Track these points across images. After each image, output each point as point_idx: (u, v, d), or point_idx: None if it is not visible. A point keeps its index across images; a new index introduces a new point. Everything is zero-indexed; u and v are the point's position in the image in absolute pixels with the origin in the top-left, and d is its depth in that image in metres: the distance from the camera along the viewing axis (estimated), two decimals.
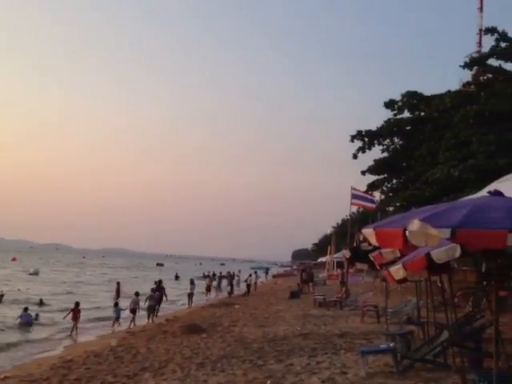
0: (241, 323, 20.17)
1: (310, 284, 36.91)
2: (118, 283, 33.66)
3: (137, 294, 25.52)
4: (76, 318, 22.58)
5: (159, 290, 28.07)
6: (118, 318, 24.04)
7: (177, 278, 64.01)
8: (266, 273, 63.58)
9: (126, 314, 24.57)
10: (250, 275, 44.03)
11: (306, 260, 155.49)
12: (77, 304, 23.14)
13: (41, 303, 31.67)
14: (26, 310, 24.61)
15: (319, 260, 75.65)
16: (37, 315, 25.45)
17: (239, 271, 48.70)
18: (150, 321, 24.78)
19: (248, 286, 40.71)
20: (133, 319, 24.08)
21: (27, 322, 23.78)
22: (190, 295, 33.12)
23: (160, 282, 29.72)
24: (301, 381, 9.69)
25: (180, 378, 10.86)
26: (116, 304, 24.84)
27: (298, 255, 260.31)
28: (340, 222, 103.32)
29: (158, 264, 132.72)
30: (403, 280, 12.33)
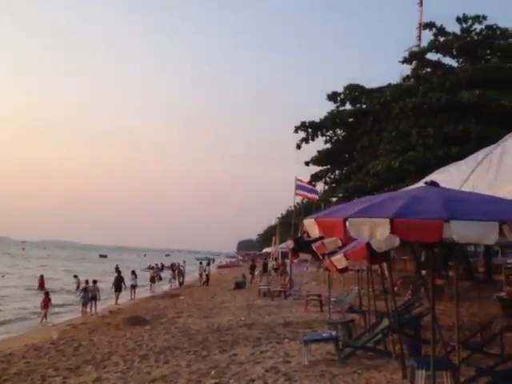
0: (185, 314, 20.12)
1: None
2: (42, 276, 37.98)
3: (94, 281, 27.12)
4: (47, 306, 23.75)
5: (120, 278, 31.15)
6: (85, 304, 25.44)
7: (117, 270, 63.00)
8: (208, 263, 63.60)
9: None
10: (209, 264, 44.43)
11: (250, 251, 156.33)
12: (47, 293, 24.61)
13: None
14: None
15: (264, 250, 76.01)
16: None
17: (184, 262, 48.41)
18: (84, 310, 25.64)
19: (207, 275, 40.62)
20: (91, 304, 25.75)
21: None
22: (133, 287, 32.79)
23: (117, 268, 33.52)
24: (244, 370, 9.75)
25: (123, 370, 10.77)
26: (84, 290, 26.09)
27: (244, 246, 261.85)
28: (285, 212, 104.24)
29: (101, 255, 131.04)
30: (345, 269, 12.60)
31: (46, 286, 36.56)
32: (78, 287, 33.68)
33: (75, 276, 36.97)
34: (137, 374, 10.20)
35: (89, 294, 25.77)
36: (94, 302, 25.83)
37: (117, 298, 30.14)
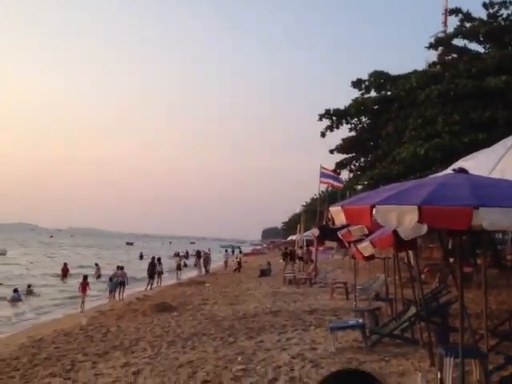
0: (211, 301, 20.27)
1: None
2: (65, 264, 38.41)
3: (122, 268, 27.94)
4: (85, 291, 24.19)
5: (153, 265, 31.94)
6: (111, 291, 26.07)
7: (141, 257, 63.71)
8: (233, 251, 63.98)
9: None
10: (233, 252, 44.59)
11: (275, 238, 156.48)
12: (85, 277, 25.05)
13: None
14: (15, 290, 25.93)
15: (289, 238, 76.01)
16: (29, 291, 27.50)
17: (209, 249, 48.75)
18: (113, 295, 26.39)
19: (239, 262, 40.84)
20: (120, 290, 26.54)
21: (15, 299, 25.18)
22: (159, 274, 33.11)
23: (153, 258, 33.36)
24: (271, 357, 9.82)
25: (150, 355, 10.91)
26: (110, 279, 26.70)
27: (268, 234, 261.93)
28: (309, 200, 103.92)
29: (127, 243, 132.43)
30: (371, 257, 12.56)
31: (72, 272, 37.48)
32: (98, 275, 34.71)
33: (96, 264, 37.66)
34: (164, 360, 10.33)
35: (117, 280, 26.45)
36: (122, 288, 26.59)
37: (150, 284, 30.99)
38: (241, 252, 49.38)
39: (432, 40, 34.93)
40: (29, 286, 28.17)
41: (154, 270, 31.71)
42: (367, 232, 10.72)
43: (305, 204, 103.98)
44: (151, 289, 30.05)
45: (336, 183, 34.92)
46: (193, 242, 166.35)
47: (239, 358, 9.82)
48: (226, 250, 57.05)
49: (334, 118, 38.55)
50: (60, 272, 38.02)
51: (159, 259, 34.11)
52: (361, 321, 10.92)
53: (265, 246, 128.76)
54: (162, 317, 16.73)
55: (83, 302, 23.90)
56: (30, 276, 37.19)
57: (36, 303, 25.07)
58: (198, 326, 14.24)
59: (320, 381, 1.39)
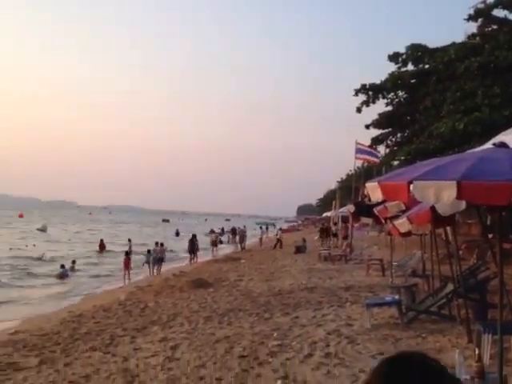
0: (247, 278, 20.41)
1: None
2: (102, 240, 39.56)
3: (161, 244, 28.62)
4: (127, 266, 25.10)
5: (193, 241, 32.76)
6: (148, 262, 26.72)
7: (177, 234, 64.38)
8: (267, 228, 64.14)
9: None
10: (267, 228, 44.72)
11: (310, 215, 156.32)
12: (126, 253, 26.37)
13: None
14: (62, 266, 26.62)
15: (324, 215, 75.76)
16: (72, 267, 27.99)
17: (244, 226, 48.96)
18: (155, 273, 26.77)
19: (278, 239, 41.00)
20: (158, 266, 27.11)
21: (63, 275, 25.84)
22: (195, 250, 33.43)
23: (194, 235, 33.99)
24: (307, 333, 9.85)
25: (188, 330, 11.06)
26: (148, 251, 27.38)
27: (303, 210, 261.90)
28: (344, 176, 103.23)
29: (163, 220, 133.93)
30: (408, 233, 12.44)
31: (109, 248, 38.37)
32: (129, 251, 34.73)
33: (129, 240, 38.25)
34: (201, 335, 10.46)
35: (156, 256, 27.04)
36: (160, 264, 27.19)
37: (191, 259, 31.77)
38: (280, 229, 49.49)
39: (471, 11, 33.96)
40: (73, 261, 28.71)
41: (194, 247, 32.47)
42: (404, 208, 10.61)
43: (340, 180, 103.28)
44: (193, 263, 30.91)
45: (372, 158, 34.48)
46: (228, 219, 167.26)
47: (275, 334, 9.88)
48: (261, 227, 57.21)
49: (370, 92, 38.07)
50: (98, 248, 38.84)
51: (195, 236, 34.45)
52: (397, 297, 10.84)
53: (300, 222, 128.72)
54: (198, 293, 16.92)
55: (125, 277, 24.79)
56: (69, 252, 38.03)
57: (77, 279, 25.59)
58: (234, 302, 14.37)
59: (375, 367, 1.35)
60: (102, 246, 38.74)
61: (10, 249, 37.00)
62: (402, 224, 10.89)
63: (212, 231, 49.65)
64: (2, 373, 8.79)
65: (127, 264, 25.27)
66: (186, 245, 33.88)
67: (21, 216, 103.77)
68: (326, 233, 36.51)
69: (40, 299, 19.64)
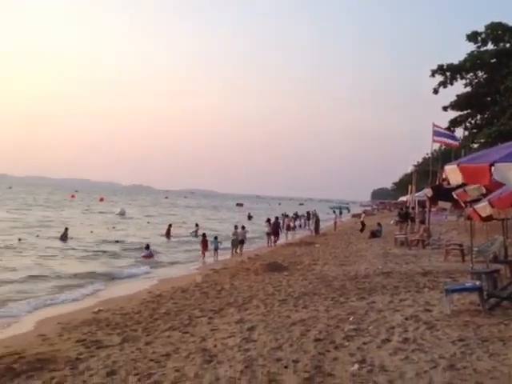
0: (321, 262, 20.37)
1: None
2: (170, 225, 40.05)
3: (243, 227, 29.84)
4: (205, 248, 26.53)
5: (277, 223, 34.21)
6: (216, 249, 27.05)
7: (249, 217, 64.88)
8: (340, 212, 63.54)
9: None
10: (341, 213, 44.77)
11: (385, 199, 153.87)
12: (203, 235, 27.65)
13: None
14: (147, 247, 27.56)
15: (400, 199, 74.44)
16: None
17: (314, 211, 48.78)
18: (234, 252, 28.21)
19: (362, 222, 40.85)
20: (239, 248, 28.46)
21: (149, 255, 26.81)
22: (269, 234, 33.64)
23: (277, 218, 35.69)
24: (383, 318, 9.73)
25: (263, 313, 11.16)
26: (216, 237, 27.95)
27: (378, 194, 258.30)
28: (421, 160, 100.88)
29: (237, 204, 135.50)
30: (489, 218, 12.03)
31: (178, 232, 39.24)
32: (195, 234, 36.87)
33: (196, 224, 39.22)
34: (277, 317, 10.53)
35: (237, 238, 28.33)
36: (241, 246, 28.44)
37: (275, 241, 32.82)
38: (341, 213, 49.26)
39: None
40: (147, 246, 29.34)
41: (277, 229, 33.59)
42: (485, 191, 10.29)
43: (416, 164, 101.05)
44: (269, 246, 31.84)
45: (450, 141, 33.44)
46: (301, 204, 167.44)
47: (351, 318, 9.82)
48: (335, 211, 56.82)
49: (448, 73, 36.93)
50: (165, 232, 39.50)
51: (268, 220, 34.65)
52: (478, 283, 10.52)
53: (374, 207, 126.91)
54: (273, 276, 17.04)
55: (203, 258, 25.93)
56: (144, 234, 39.17)
57: (155, 260, 26.24)
58: (309, 286, 14.37)
59: None
60: (168, 231, 39.48)
61: (91, 232, 38.47)
62: (483, 208, 10.56)
63: (286, 215, 49.84)
64: (86, 350, 9.17)
65: (205, 245, 26.23)
66: (257, 228, 34.34)
67: (101, 200, 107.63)
68: (405, 217, 35.62)
69: (121, 280, 20.24)
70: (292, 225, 44.13)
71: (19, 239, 31.18)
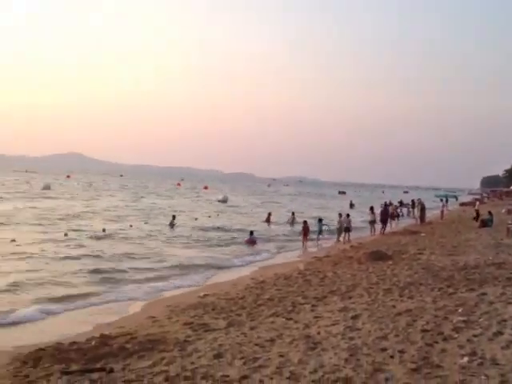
0: (428, 251, 19.77)
1: None
2: (270, 213, 40.75)
3: (347, 215, 29.58)
4: (306, 234, 26.42)
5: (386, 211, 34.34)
6: (320, 232, 27.81)
7: (351, 206, 63.91)
8: (447, 200, 61.14)
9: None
10: (447, 201, 43.17)
11: (496, 187, 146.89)
12: (305, 222, 27.40)
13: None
14: (251, 233, 28.08)
15: None
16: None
17: (418, 199, 47.17)
18: (341, 239, 28.36)
19: (477, 210, 39.44)
20: (344, 235, 28.53)
21: (252, 241, 27.33)
22: (372, 223, 33.04)
23: (386, 205, 36.59)
24: (495, 310, 9.31)
25: (367, 302, 11.02)
26: (320, 219, 28.69)
27: (488, 182, 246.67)
28: None
29: (340, 192, 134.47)
30: None
31: (279, 220, 39.74)
32: (291, 223, 37.17)
33: (292, 213, 39.17)
34: (382, 307, 10.36)
35: (342, 226, 28.45)
36: (348, 233, 28.57)
37: (383, 229, 32.48)
38: (447, 201, 47.13)
39: None
40: (251, 232, 29.63)
41: (386, 217, 33.50)
42: None
43: None
44: (373, 234, 31.52)
45: None
46: (406, 192, 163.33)
47: (460, 310, 9.48)
48: (441, 200, 54.90)
49: None
50: (266, 218, 39.97)
51: (372, 208, 33.97)
52: None
53: (485, 195, 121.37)
54: (377, 265, 16.76)
55: (304, 246, 25.93)
56: (245, 221, 39.83)
57: (257, 247, 26.51)
58: (415, 276, 14.01)
59: None
60: (268, 218, 39.94)
61: (196, 219, 39.50)
62: None
63: (390, 203, 48.70)
64: (194, 333, 9.48)
65: (306, 233, 26.16)
66: (358, 217, 33.86)
67: (205, 188, 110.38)
68: None
69: (227, 267, 20.58)
70: (396, 213, 43.04)
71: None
